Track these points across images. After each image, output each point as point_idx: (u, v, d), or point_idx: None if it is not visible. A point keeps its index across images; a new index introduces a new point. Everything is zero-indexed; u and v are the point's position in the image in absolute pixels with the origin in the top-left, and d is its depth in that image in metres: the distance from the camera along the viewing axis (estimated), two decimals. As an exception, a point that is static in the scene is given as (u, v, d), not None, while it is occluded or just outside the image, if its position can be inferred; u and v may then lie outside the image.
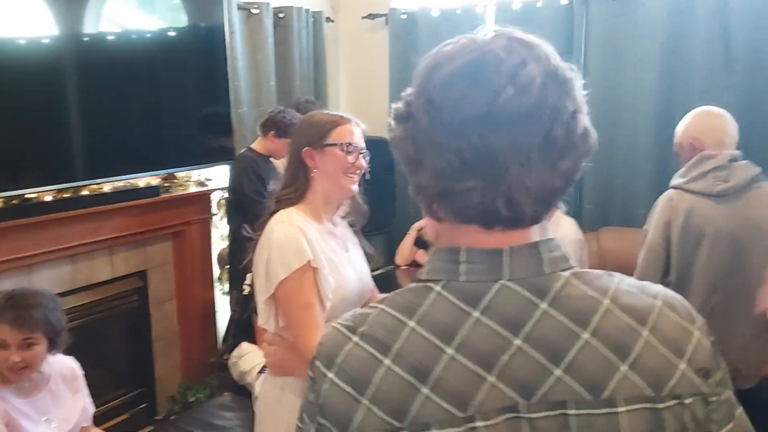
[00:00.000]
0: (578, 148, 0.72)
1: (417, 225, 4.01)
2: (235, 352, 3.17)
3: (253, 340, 3.14)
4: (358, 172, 1.77)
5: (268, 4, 3.97)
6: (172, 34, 3.36)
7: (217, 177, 3.74)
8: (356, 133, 1.78)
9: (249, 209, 3.33)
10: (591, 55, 3.79)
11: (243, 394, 3.14)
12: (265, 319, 1.73)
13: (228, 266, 3.86)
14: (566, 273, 0.72)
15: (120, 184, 3.15)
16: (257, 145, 3.46)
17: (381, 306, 0.75)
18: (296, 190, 1.75)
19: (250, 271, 3.12)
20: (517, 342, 0.69)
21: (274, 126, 3.35)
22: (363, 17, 4.49)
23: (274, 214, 1.74)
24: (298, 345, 1.67)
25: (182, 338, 3.64)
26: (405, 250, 3.94)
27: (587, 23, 3.79)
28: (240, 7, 3.80)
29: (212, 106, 3.54)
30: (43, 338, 1.97)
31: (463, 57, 0.71)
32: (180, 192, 3.44)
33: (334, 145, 1.73)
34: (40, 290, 2.10)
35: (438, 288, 0.72)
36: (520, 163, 0.68)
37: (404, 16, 4.32)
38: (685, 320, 0.73)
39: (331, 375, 0.73)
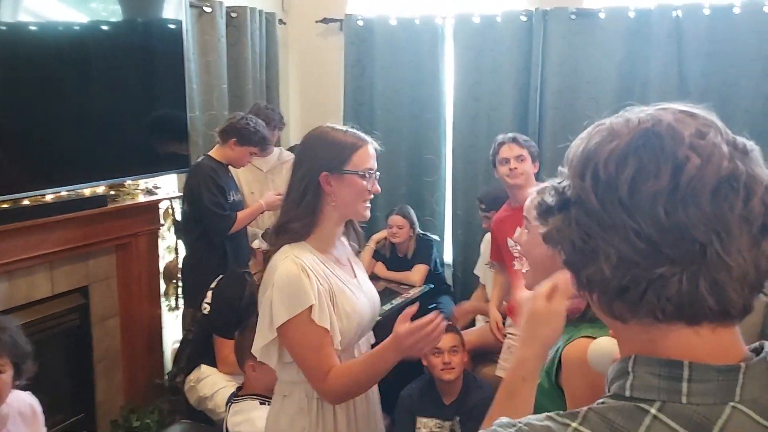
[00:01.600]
0: None
1: (375, 237, 3.93)
2: (193, 376, 2.96)
3: (212, 363, 2.95)
4: (372, 196, 1.68)
5: (221, 2, 3.76)
6: (122, 29, 3.10)
7: (166, 185, 3.51)
8: (374, 155, 1.68)
9: (209, 222, 3.14)
10: (549, 72, 3.84)
11: (200, 420, 2.94)
12: (265, 354, 1.63)
13: (176, 281, 3.63)
14: None
15: (64, 193, 2.87)
16: (216, 153, 3.26)
17: (574, 425, 0.63)
18: (308, 223, 1.62)
19: (211, 289, 2.97)
20: None
21: (236, 133, 3.16)
22: (317, 21, 4.36)
23: (278, 249, 1.62)
24: (313, 385, 1.61)
25: (126, 358, 3.38)
26: (363, 263, 3.83)
27: (545, 40, 3.82)
28: (192, 5, 3.58)
29: (166, 110, 3.30)
30: (9, 365, 1.76)
31: (629, 132, 0.64)
32: (128, 201, 3.19)
33: (355, 172, 1.62)
34: None
35: (653, 411, 0.61)
36: (719, 240, 0.60)
37: (360, 23, 4.22)
38: None
39: None
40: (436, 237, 4.02)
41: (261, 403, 2.36)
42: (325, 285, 1.58)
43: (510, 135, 3.02)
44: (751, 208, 0.61)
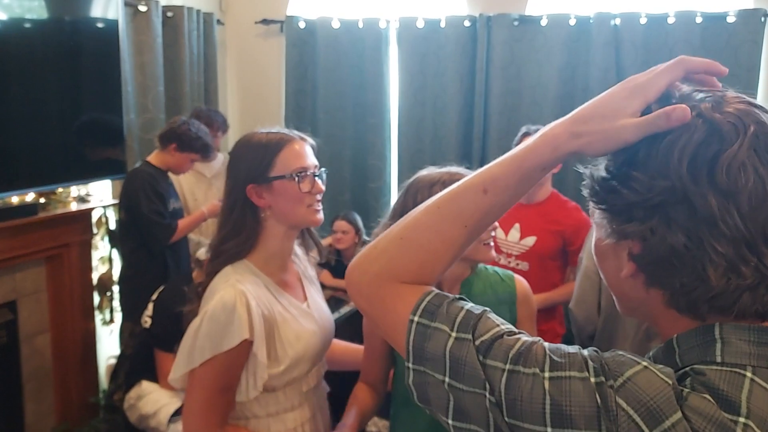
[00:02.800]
0: None
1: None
2: (133, 393, 2.80)
3: (154, 379, 2.80)
4: (318, 197, 1.49)
5: (157, 1, 3.61)
6: (49, 28, 2.91)
7: (98, 192, 3.33)
8: (306, 152, 1.48)
9: (148, 231, 3.00)
10: (492, 77, 3.87)
11: (142, 439, 2.79)
12: (182, 385, 1.44)
13: (110, 294, 3.45)
14: None
15: (-12, 201, 2.68)
16: (154, 159, 3.11)
17: (687, 390, 0.63)
18: (245, 240, 1.44)
19: (152, 301, 2.83)
20: None
21: (176, 138, 3.02)
22: (256, 22, 4.25)
23: (215, 273, 1.44)
24: (191, 430, 1.40)
25: (57, 377, 3.18)
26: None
27: (489, 46, 3.85)
28: (126, 3, 3.42)
29: (101, 113, 3.12)
30: None
31: (740, 138, 0.62)
32: (59, 209, 3.00)
33: (283, 177, 1.43)
34: None
35: (749, 375, 0.62)
36: None
37: (302, 25, 4.14)
38: None
39: None
40: (382, 243, 3.98)
41: None
42: (267, 313, 1.42)
43: (536, 127, 2.87)
44: None
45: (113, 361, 3.28)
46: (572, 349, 0.66)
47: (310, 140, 1.53)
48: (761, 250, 0.61)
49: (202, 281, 1.47)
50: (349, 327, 3.44)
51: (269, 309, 1.43)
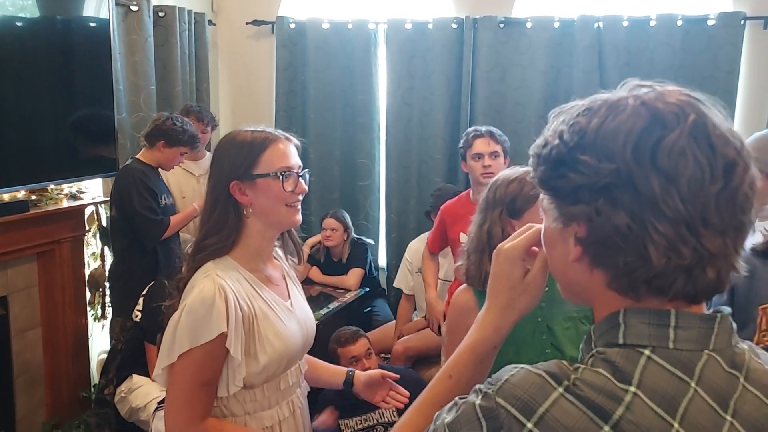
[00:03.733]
0: None
1: (310, 241, 3.91)
2: (124, 386, 2.85)
3: (144, 372, 2.85)
4: (300, 197, 1.50)
5: (148, 1, 3.65)
6: (41, 26, 2.95)
7: (91, 189, 3.37)
8: (290, 152, 1.49)
9: (141, 227, 3.04)
10: (478, 78, 3.94)
11: (132, 432, 2.84)
12: (164, 382, 1.44)
13: (102, 290, 3.49)
14: (744, 345, 0.71)
15: (-19, 198, 2.72)
16: (144, 156, 3.15)
17: (583, 366, 0.68)
18: (227, 237, 1.45)
19: (142, 296, 2.88)
20: (729, 419, 0.66)
21: (163, 135, 3.07)
22: (247, 23, 4.30)
23: (196, 269, 1.44)
24: (173, 425, 1.41)
25: (48, 372, 3.21)
26: (298, 266, 3.81)
27: (475, 48, 3.92)
28: (118, 3, 3.46)
29: (92, 111, 3.16)
30: None
31: (681, 124, 0.65)
32: (51, 206, 3.04)
33: (267, 175, 1.44)
34: None
35: (647, 353, 0.66)
36: (733, 234, 0.67)
37: (293, 26, 4.20)
38: None
39: (530, 426, 0.65)
40: (370, 241, 4.04)
41: None
42: (246, 308, 1.42)
43: (485, 128, 2.85)
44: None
45: (105, 356, 3.32)
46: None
47: (295, 140, 1.54)
48: (699, 231, 0.64)
49: (184, 276, 1.48)
50: (337, 321, 3.50)
51: (249, 304, 1.43)
